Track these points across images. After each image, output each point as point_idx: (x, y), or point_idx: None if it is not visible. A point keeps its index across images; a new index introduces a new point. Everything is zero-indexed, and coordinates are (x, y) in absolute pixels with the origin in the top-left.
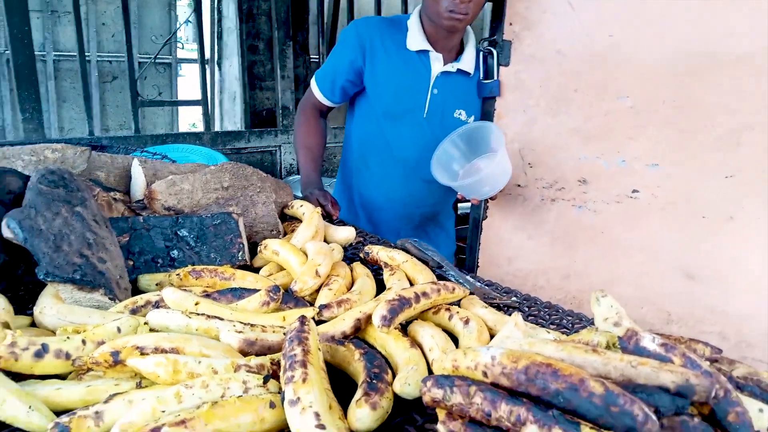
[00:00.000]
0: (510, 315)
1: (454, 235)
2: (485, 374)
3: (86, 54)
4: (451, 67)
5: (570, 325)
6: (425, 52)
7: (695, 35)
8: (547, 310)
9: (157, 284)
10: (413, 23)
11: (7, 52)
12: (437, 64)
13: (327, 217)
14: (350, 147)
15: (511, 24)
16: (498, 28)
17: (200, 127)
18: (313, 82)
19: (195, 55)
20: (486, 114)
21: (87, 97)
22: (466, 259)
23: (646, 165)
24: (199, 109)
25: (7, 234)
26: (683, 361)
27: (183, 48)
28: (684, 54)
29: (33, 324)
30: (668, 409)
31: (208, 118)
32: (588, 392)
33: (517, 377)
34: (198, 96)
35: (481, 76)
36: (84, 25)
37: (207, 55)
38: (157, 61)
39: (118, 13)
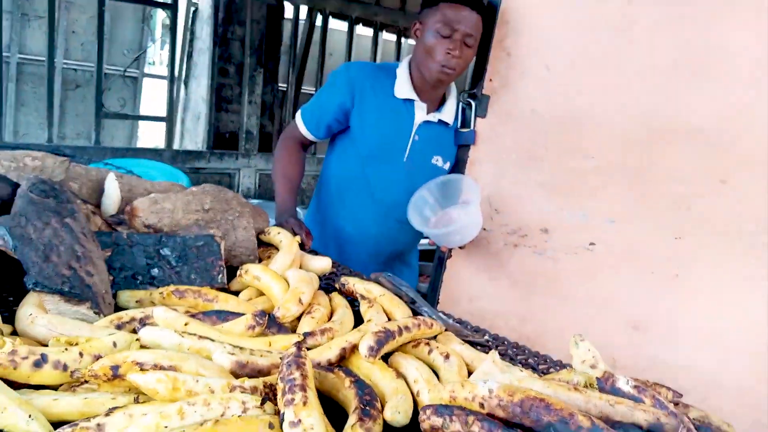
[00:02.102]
0: (482, 352)
1: (417, 270)
2: (482, 405)
3: (54, 60)
4: (433, 117)
5: (536, 364)
6: (411, 101)
7: (658, 107)
8: (515, 350)
9: (137, 301)
10: (402, 72)
11: None
12: (420, 113)
13: (300, 246)
14: (328, 181)
15: (491, 80)
16: (479, 83)
17: (148, 140)
18: (298, 117)
19: (161, 72)
20: (460, 161)
21: (50, 103)
22: (427, 295)
23: (603, 221)
24: (157, 125)
25: None
26: (653, 402)
27: (152, 65)
28: (648, 123)
29: (13, 332)
30: None
31: (171, 136)
32: (577, 425)
33: (513, 409)
34: (161, 113)
35: (459, 125)
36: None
37: (176, 73)
38: (125, 74)
39: (90, 22)
